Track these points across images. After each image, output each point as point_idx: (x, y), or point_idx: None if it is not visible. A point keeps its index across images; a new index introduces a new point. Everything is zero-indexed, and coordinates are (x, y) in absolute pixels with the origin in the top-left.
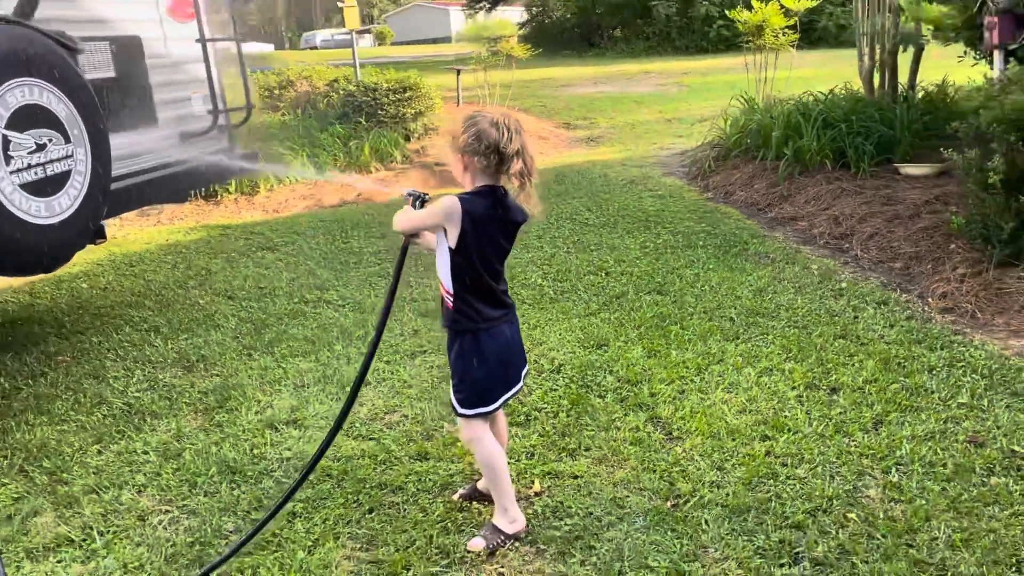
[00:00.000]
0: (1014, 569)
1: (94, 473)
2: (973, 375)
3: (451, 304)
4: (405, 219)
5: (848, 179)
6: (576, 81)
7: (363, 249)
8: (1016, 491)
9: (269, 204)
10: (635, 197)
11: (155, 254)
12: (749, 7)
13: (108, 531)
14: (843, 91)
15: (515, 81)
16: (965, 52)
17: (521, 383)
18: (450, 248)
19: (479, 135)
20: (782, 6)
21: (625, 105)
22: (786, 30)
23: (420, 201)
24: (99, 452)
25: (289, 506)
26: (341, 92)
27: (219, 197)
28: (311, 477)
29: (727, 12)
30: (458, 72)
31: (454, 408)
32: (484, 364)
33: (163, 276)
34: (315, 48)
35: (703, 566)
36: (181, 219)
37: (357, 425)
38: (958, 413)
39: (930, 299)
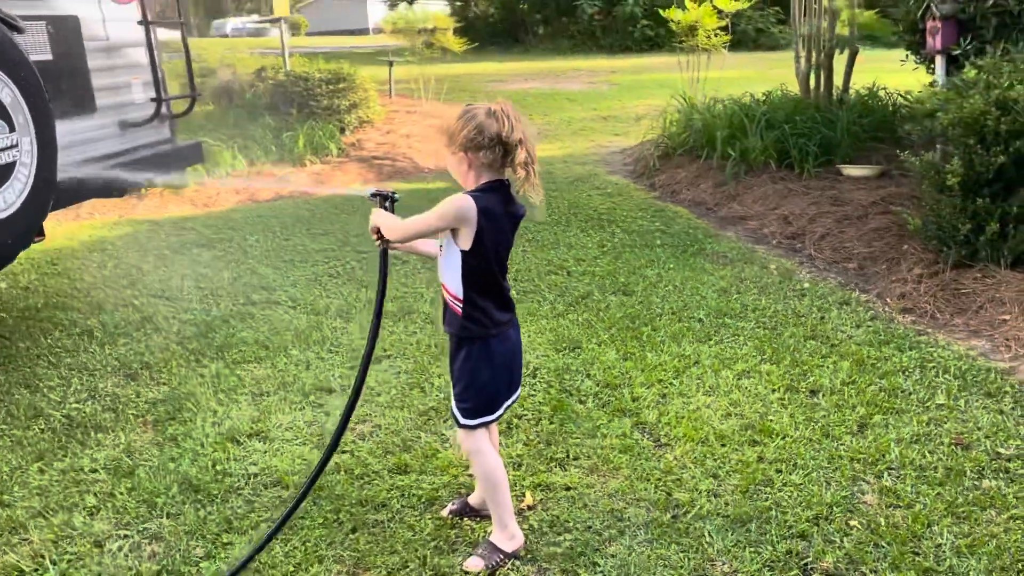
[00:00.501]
0: (1021, 575)
1: (38, 494)
2: (946, 376)
3: (460, 310)
4: (403, 226)
5: (793, 179)
6: (506, 77)
7: (307, 247)
8: (1009, 494)
9: (198, 198)
10: (584, 195)
11: (79, 251)
12: (682, 7)
13: (62, 559)
14: (779, 93)
15: (448, 75)
16: (907, 56)
17: (519, 388)
18: (463, 251)
19: (480, 128)
20: (715, 7)
21: (558, 102)
22: (718, 31)
23: (390, 201)
24: (41, 471)
25: (264, 527)
26: (269, 81)
27: (143, 190)
28: (284, 494)
29: (661, 12)
30: (391, 64)
31: (456, 419)
32: (492, 371)
33: (91, 275)
34: (226, 36)
35: None
36: (103, 213)
37: (328, 436)
38: (938, 415)
39: (889, 300)
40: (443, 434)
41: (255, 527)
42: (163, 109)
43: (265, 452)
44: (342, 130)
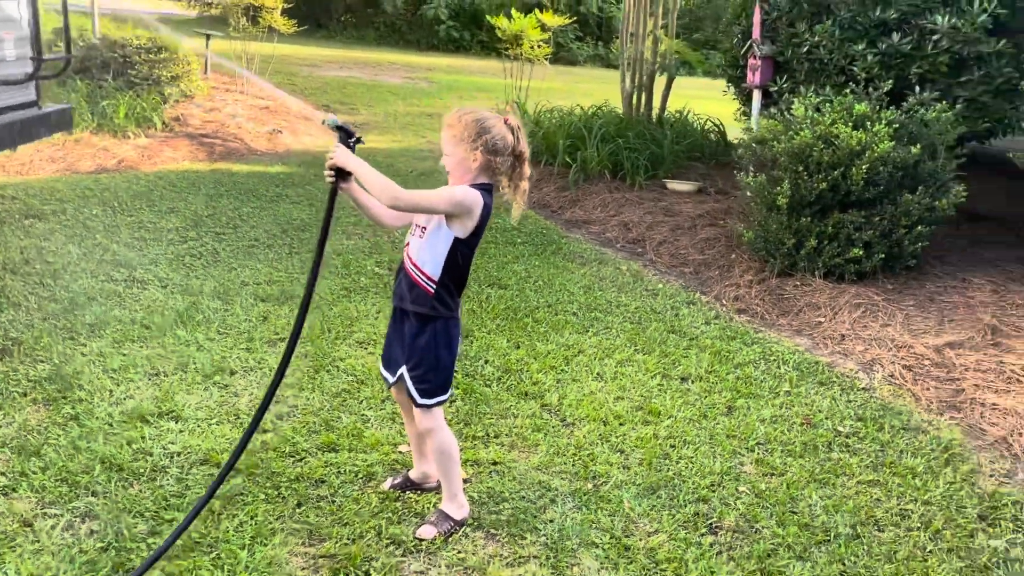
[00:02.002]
0: (876, 527)
1: None
2: (786, 367)
3: (431, 291)
4: (408, 195)
5: (626, 189)
6: (320, 63)
7: (156, 224)
8: (854, 463)
9: (10, 165)
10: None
11: None
12: (509, 16)
13: None
14: (607, 109)
15: (259, 55)
16: (728, 87)
17: None
18: (458, 238)
19: (503, 137)
20: (539, 20)
21: (380, 94)
22: (541, 43)
23: (355, 140)
24: None
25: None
26: (79, 43)
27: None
28: (215, 472)
29: (490, 19)
30: (208, 37)
31: (413, 399)
32: (449, 352)
33: None
34: None
35: (640, 539)
36: None
37: (244, 416)
38: (787, 399)
39: (725, 301)
40: (364, 414)
41: (194, 504)
42: (36, 68)
43: (181, 431)
44: (163, 103)
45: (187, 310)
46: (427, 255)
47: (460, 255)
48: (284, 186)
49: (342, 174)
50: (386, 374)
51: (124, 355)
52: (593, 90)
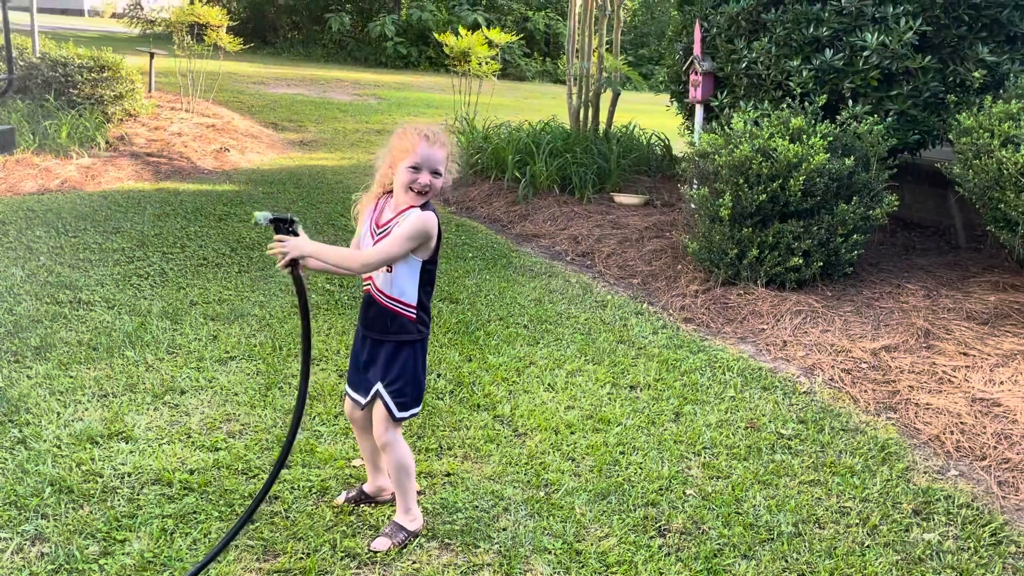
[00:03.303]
0: (817, 525)
1: None
2: (730, 373)
3: (413, 316)
4: (371, 257)
5: (574, 203)
6: (268, 80)
7: (101, 245)
8: (795, 464)
9: None
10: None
11: None
12: (456, 33)
13: None
14: (554, 124)
15: (205, 73)
16: (672, 101)
17: None
18: (425, 260)
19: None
20: (486, 37)
21: (329, 111)
22: (489, 59)
23: (291, 225)
24: None
25: (157, 524)
26: (21, 63)
27: None
28: (168, 491)
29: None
30: (151, 55)
31: (391, 413)
32: (424, 367)
33: None
34: None
35: (592, 544)
36: None
37: (195, 435)
38: (731, 404)
39: (671, 311)
40: (317, 430)
41: (146, 523)
42: None
43: (132, 452)
44: (106, 122)
45: (135, 331)
46: (402, 286)
47: (428, 272)
48: (232, 204)
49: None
50: (356, 396)
51: (71, 377)
52: (542, 105)
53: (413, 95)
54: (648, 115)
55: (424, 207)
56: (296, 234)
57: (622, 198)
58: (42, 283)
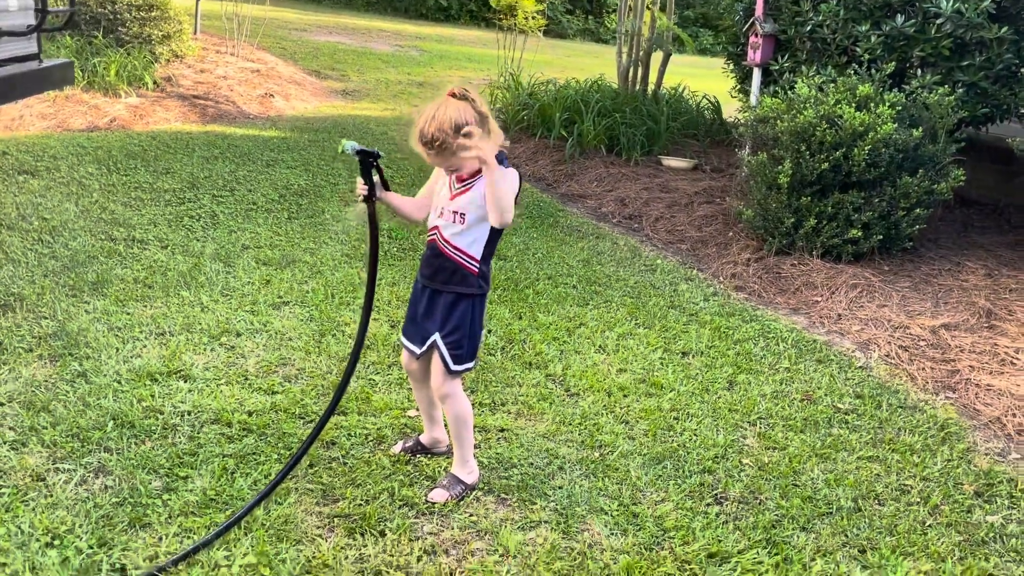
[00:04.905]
0: (877, 501)
1: None
2: (784, 344)
3: (475, 270)
4: (508, 210)
5: (621, 164)
6: (310, 27)
7: (152, 185)
8: (853, 439)
9: (0, 120)
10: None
11: None
12: None
13: (0, 493)
14: (604, 84)
15: (267, 19)
16: (727, 63)
17: None
18: (494, 227)
19: (466, 115)
20: None
21: (371, 61)
22: (536, 15)
23: (376, 160)
24: None
25: (218, 463)
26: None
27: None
28: (228, 432)
29: None
30: None
31: (447, 364)
32: (481, 323)
33: None
34: None
35: (648, 507)
36: None
37: (252, 377)
38: (786, 376)
39: (722, 279)
40: (372, 379)
41: (207, 462)
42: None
43: (190, 391)
44: (153, 62)
45: (189, 271)
46: (470, 239)
47: (494, 233)
48: (279, 151)
49: (372, 191)
50: (411, 346)
51: (128, 314)
52: (585, 64)
53: (454, 48)
54: (694, 79)
55: (505, 161)
56: (380, 169)
57: (671, 161)
58: (96, 219)
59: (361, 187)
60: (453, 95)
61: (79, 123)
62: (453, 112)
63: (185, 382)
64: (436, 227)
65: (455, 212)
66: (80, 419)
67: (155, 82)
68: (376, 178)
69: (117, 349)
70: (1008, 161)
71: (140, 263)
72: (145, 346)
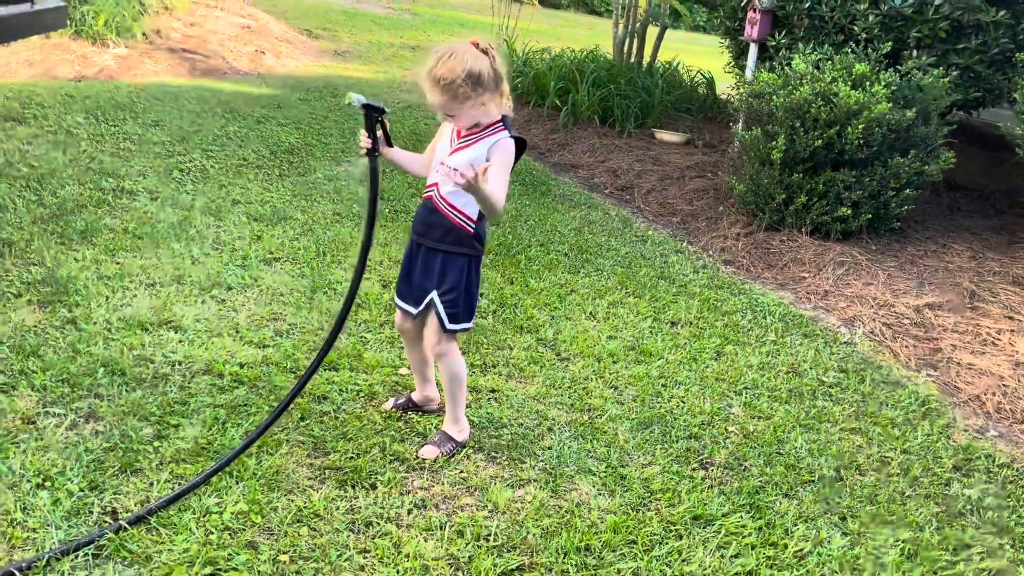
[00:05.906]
0: (858, 471)
1: None
2: (771, 317)
3: (470, 230)
4: (500, 197)
5: (614, 136)
6: None
7: (143, 136)
8: (836, 411)
9: None
10: (422, 124)
11: None
12: None
13: None
14: (598, 54)
15: None
16: (724, 39)
17: None
18: None
19: (489, 67)
20: None
21: (363, 23)
22: None
23: (381, 115)
24: None
25: (210, 412)
26: None
27: None
28: (219, 383)
29: None
30: None
31: (443, 324)
32: (478, 283)
33: None
34: None
35: (635, 470)
36: None
37: (243, 330)
38: (772, 348)
39: (711, 252)
40: (364, 337)
41: (199, 411)
42: None
43: (181, 341)
44: (142, 13)
45: (180, 223)
46: (467, 196)
47: None
48: (269, 108)
49: (375, 146)
50: (406, 306)
51: (118, 264)
52: (579, 35)
53: (447, 13)
54: (688, 55)
55: (508, 128)
56: (384, 124)
57: (664, 135)
58: (84, 169)
59: (365, 140)
60: (476, 45)
61: (66, 72)
62: (472, 59)
63: (176, 332)
64: (435, 184)
65: (454, 168)
66: (70, 365)
67: (144, 34)
68: (379, 133)
69: (107, 298)
70: (996, 147)
71: (129, 214)
72: (135, 296)
